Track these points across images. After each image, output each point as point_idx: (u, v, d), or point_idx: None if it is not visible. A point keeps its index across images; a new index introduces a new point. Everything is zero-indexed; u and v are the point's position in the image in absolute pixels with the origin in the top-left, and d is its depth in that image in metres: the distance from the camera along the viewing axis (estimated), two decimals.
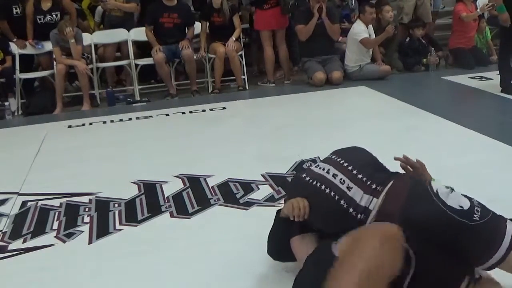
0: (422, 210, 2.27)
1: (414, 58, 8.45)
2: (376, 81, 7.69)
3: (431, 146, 4.68)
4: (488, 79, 7.41)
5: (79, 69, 7.45)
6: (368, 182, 2.42)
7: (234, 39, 8.01)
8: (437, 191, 2.32)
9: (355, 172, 2.47)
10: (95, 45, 8.21)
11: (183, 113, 6.81)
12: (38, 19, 7.82)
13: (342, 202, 2.40)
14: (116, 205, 3.93)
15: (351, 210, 2.38)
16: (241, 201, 3.83)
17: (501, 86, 6.56)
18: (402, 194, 2.34)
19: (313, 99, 7.15)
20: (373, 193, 2.38)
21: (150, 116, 6.78)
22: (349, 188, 2.42)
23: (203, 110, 6.88)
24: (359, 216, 2.35)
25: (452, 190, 2.35)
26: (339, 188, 2.43)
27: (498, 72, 6.77)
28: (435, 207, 2.26)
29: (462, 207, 2.27)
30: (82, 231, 3.56)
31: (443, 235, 2.23)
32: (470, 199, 2.34)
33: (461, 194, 2.36)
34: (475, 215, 2.25)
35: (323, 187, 2.47)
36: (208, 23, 8.12)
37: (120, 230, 3.55)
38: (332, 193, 2.43)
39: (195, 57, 7.96)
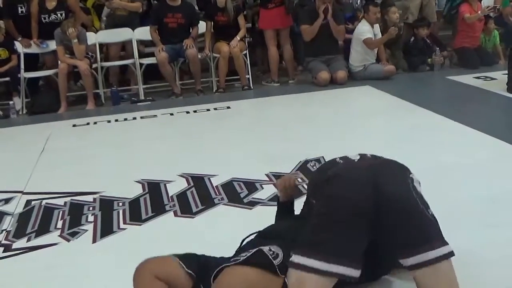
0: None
1: (419, 57, 8.42)
2: (380, 81, 7.68)
3: (435, 146, 4.68)
4: (493, 79, 7.39)
5: (81, 70, 7.46)
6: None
7: (239, 38, 8.00)
8: None
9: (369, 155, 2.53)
10: (101, 44, 8.24)
11: (188, 112, 6.81)
12: (43, 18, 7.83)
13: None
14: (120, 204, 3.93)
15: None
16: (245, 200, 3.83)
17: (507, 85, 6.53)
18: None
19: (318, 99, 7.15)
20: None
21: (155, 116, 6.79)
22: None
23: (208, 110, 6.88)
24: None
25: None
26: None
27: (503, 72, 6.75)
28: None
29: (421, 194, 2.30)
30: (86, 230, 3.56)
31: None
32: None
33: None
34: (429, 210, 2.27)
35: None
36: (212, 23, 8.13)
37: (124, 229, 3.55)
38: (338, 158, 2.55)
39: (199, 56, 7.96)
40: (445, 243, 2.15)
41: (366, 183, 2.19)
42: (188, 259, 2.37)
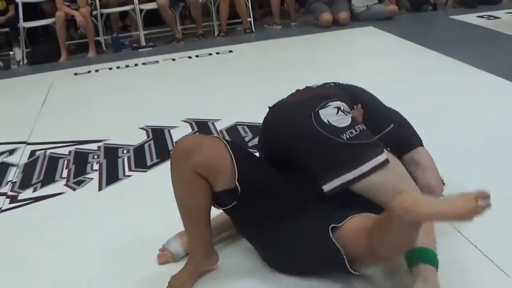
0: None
1: None
2: (383, 22, 7.60)
3: (438, 85, 4.64)
4: (496, 18, 7.30)
5: (78, 20, 7.38)
6: None
7: None
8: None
9: None
10: None
11: (190, 57, 6.77)
12: None
13: None
14: (125, 151, 3.93)
15: None
16: (249, 144, 3.82)
17: None
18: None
19: (320, 41, 7.09)
20: None
21: (156, 61, 6.76)
22: None
23: (210, 54, 6.84)
24: None
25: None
26: None
27: (507, 11, 6.63)
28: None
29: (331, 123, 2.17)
30: (92, 179, 3.57)
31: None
32: (356, 123, 2.21)
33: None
34: (343, 135, 2.14)
35: None
36: None
37: (130, 176, 3.56)
38: None
39: (200, 0, 7.87)
40: (361, 163, 2.08)
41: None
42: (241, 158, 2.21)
